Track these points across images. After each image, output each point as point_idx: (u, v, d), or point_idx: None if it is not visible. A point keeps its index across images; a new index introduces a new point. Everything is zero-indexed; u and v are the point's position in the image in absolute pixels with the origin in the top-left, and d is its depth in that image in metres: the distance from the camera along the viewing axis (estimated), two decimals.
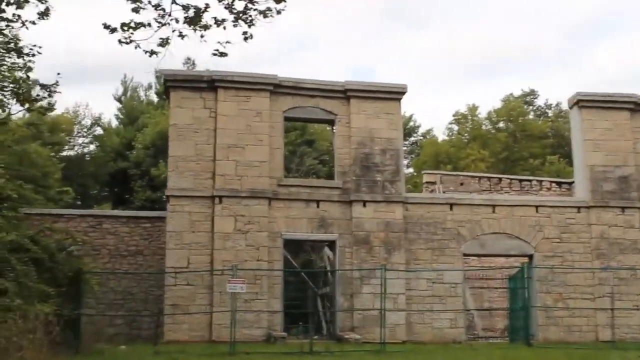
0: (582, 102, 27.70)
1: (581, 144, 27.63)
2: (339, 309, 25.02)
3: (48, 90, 21.61)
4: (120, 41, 14.49)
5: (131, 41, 14.51)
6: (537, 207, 26.88)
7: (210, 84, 25.24)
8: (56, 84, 21.74)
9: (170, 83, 25.35)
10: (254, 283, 23.80)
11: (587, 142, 27.36)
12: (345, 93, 26.12)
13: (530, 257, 26.42)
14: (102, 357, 18.34)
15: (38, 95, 21.83)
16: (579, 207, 27.01)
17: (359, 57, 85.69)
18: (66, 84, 72.30)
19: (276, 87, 25.61)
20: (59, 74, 22.06)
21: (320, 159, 44.32)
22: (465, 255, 26.35)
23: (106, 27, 14.54)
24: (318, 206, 25.42)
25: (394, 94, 26.45)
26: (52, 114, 53.92)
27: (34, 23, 17.18)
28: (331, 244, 26.31)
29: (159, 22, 14.46)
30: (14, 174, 23.30)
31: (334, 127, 26.60)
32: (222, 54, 14.70)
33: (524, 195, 33.31)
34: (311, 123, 37.96)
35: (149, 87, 55.09)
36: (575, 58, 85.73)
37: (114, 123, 55.70)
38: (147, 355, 19.10)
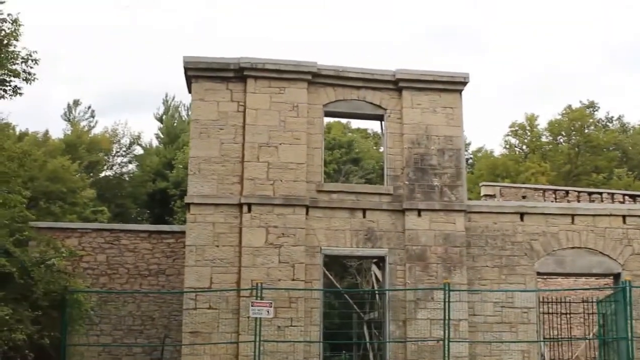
0: None
1: None
2: (389, 338, 21.12)
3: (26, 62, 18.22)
4: None
5: None
6: (624, 217, 22.69)
7: (238, 73, 21.67)
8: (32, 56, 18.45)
9: (192, 72, 21.77)
10: (288, 307, 20.10)
11: None
12: (397, 84, 22.33)
13: (617, 276, 22.28)
14: None
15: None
16: None
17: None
18: (109, 110, 72.03)
19: (315, 77, 21.92)
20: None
21: (366, 177, 41.79)
22: (539, 274, 22.30)
23: None
24: (364, 216, 21.59)
25: (454, 85, 22.53)
26: (91, 133, 52.73)
27: None
28: (380, 261, 22.51)
29: None
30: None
31: (383, 124, 22.81)
32: None
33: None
34: (356, 119, 34.17)
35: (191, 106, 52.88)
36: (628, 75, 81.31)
37: (154, 143, 54.54)
38: None
